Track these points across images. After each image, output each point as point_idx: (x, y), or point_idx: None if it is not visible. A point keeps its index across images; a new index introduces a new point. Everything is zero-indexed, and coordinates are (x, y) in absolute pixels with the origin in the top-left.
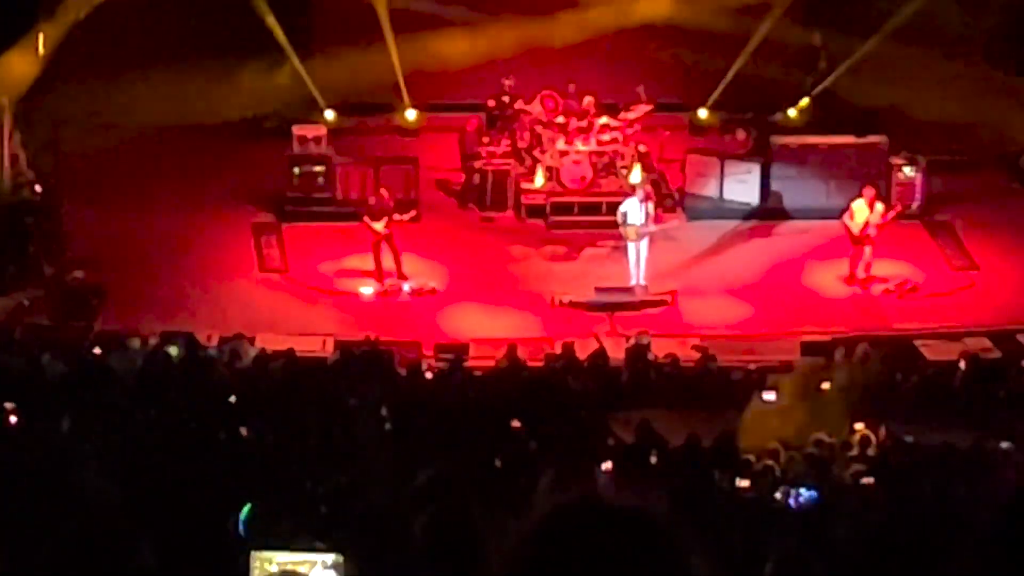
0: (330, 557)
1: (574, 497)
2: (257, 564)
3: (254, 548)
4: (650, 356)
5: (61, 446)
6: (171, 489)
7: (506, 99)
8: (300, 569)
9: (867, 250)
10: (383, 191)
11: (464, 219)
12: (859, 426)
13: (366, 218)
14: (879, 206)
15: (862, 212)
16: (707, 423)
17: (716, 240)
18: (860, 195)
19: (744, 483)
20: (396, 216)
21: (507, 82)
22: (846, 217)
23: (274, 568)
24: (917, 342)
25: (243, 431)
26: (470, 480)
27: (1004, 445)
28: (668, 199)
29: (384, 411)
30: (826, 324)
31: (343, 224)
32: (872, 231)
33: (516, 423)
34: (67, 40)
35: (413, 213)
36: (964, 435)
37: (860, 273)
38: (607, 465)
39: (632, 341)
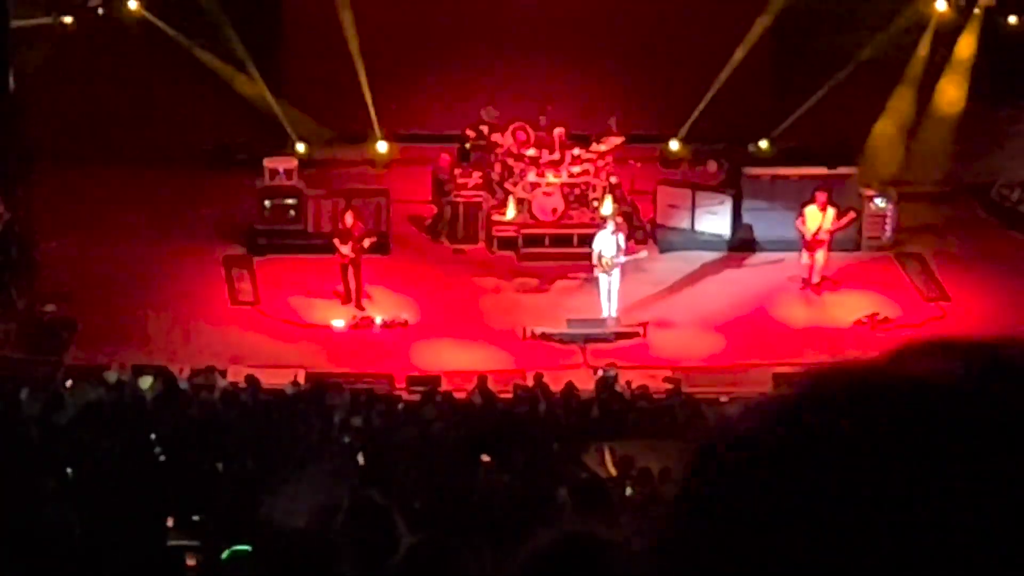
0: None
1: (556, 536)
2: None
3: None
4: (618, 388)
5: (29, 481)
6: (135, 523)
7: (485, 129)
8: None
9: (820, 255)
10: (348, 215)
11: (435, 252)
12: None
13: (336, 240)
14: (831, 211)
15: (814, 217)
16: (678, 454)
17: (688, 272)
18: (812, 200)
19: None
20: (363, 242)
21: (486, 113)
22: (798, 223)
23: None
24: None
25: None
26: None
27: None
28: (639, 231)
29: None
30: (798, 356)
31: (314, 257)
32: (824, 235)
33: (486, 457)
34: (38, 73)
35: (373, 240)
36: None
37: (815, 279)
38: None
39: (600, 373)
